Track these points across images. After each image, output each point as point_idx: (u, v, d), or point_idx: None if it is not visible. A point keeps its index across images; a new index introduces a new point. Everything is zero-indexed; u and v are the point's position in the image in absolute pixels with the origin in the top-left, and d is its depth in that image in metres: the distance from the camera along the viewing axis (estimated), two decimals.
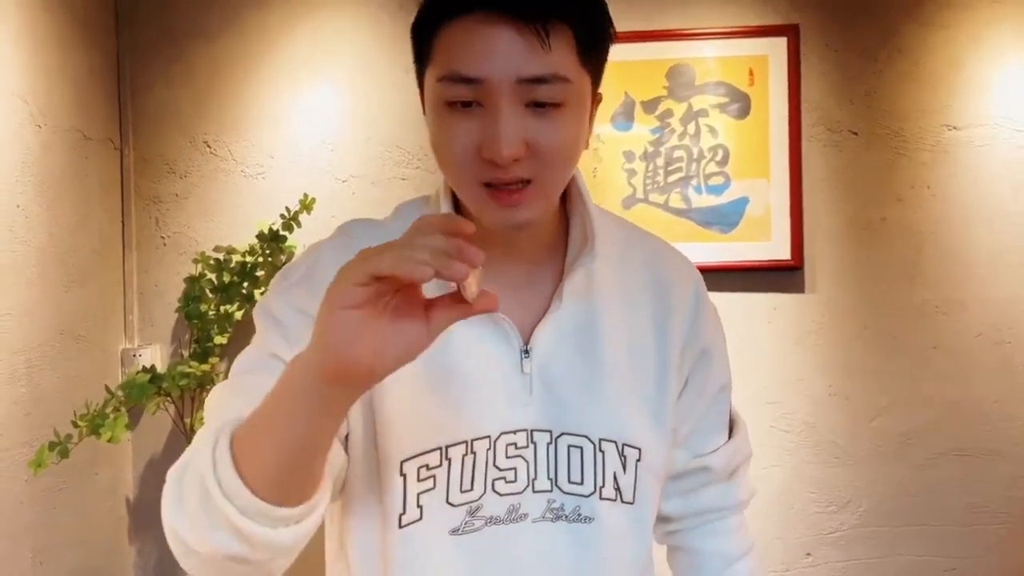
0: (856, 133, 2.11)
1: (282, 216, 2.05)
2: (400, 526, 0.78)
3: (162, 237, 2.22)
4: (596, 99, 0.79)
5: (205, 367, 1.93)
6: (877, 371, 2.11)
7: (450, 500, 0.78)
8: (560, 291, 0.81)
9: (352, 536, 0.81)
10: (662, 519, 0.94)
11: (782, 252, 2.10)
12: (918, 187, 2.10)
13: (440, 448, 0.77)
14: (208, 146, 2.21)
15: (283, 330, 0.78)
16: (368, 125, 2.19)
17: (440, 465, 0.77)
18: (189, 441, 2.03)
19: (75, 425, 1.73)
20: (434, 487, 0.78)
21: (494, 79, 0.69)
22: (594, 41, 0.74)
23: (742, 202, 2.11)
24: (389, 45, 2.18)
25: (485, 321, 0.79)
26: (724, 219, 2.11)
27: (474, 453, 0.78)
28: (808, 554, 2.13)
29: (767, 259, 2.09)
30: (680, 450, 0.90)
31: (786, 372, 2.12)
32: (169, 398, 1.93)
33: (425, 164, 2.18)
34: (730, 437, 0.93)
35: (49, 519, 1.89)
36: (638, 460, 0.82)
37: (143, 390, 1.75)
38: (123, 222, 2.21)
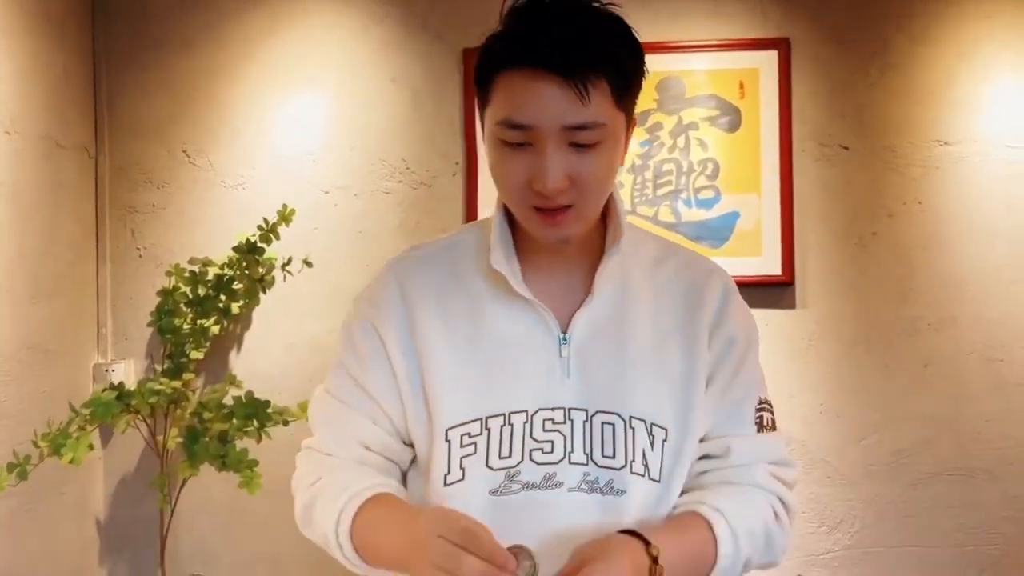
0: (847, 148, 2.09)
1: (260, 228, 1.99)
2: (445, 484, 0.90)
3: (138, 248, 2.16)
4: (632, 124, 0.92)
5: (176, 384, 1.86)
6: (869, 388, 2.08)
7: (490, 464, 0.89)
8: (594, 283, 0.92)
9: (409, 492, 0.96)
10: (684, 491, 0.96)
11: (773, 267, 2.06)
12: (909, 203, 2.08)
13: (480, 419, 0.90)
14: (187, 155, 2.15)
15: (355, 348, 0.97)
16: (352, 136, 2.14)
17: (480, 434, 0.89)
18: (162, 460, 1.96)
19: (36, 445, 1.65)
20: (475, 452, 0.89)
21: (542, 126, 0.83)
22: (627, 86, 0.87)
23: (732, 216, 2.07)
24: (375, 54, 2.14)
25: (528, 311, 0.92)
26: (714, 234, 2.08)
27: (511, 425, 0.89)
28: None
29: (758, 274, 2.06)
30: (706, 440, 0.96)
31: (776, 389, 2.03)
32: (139, 416, 1.86)
33: (407, 178, 2.13)
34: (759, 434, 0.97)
35: (15, 542, 1.82)
36: (664, 440, 0.91)
37: (108, 408, 1.68)
38: (97, 233, 2.14)
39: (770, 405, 0.98)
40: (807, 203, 2.08)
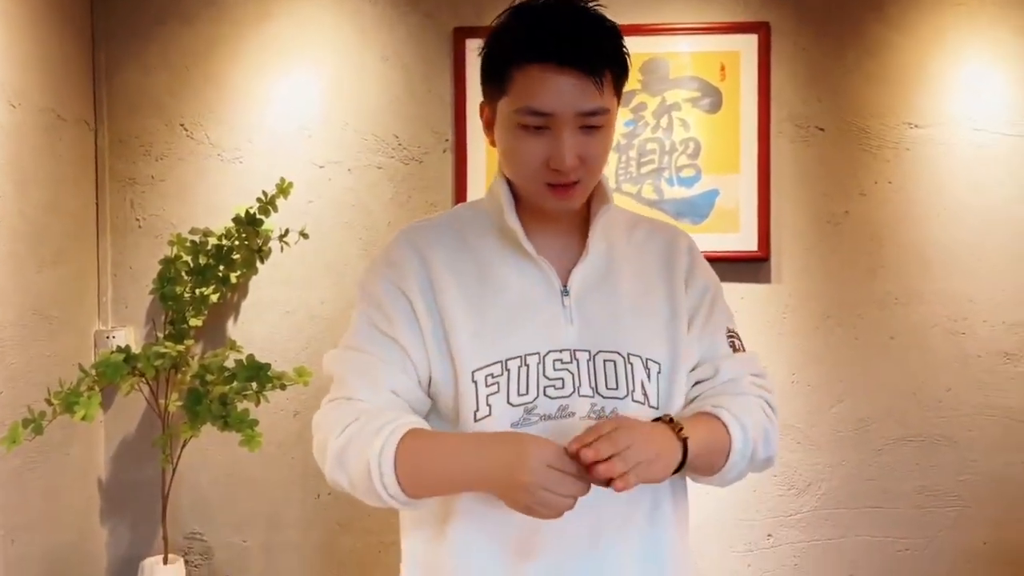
0: (823, 129, 2.18)
1: (259, 200, 2.06)
2: (475, 420, 1.02)
3: (137, 219, 2.22)
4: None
5: (180, 348, 1.94)
6: (838, 360, 2.19)
7: (510, 401, 1.02)
8: (588, 241, 1.07)
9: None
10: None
11: (750, 244, 2.16)
12: (881, 183, 2.18)
13: (500, 361, 1.02)
14: (185, 129, 2.21)
15: (381, 306, 1.06)
16: (345, 112, 2.21)
17: (501, 374, 1.02)
18: (164, 422, 2.04)
19: (49, 403, 1.73)
20: (498, 391, 1.02)
21: (560, 113, 0.97)
22: (624, 76, 1.02)
23: (712, 194, 2.16)
24: (368, 32, 2.20)
25: (533, 268, 1.06)
26: (695, 211, 2.17)
27: (527, 365, 1.02)
28: (769, 535, 2.21)
29: (735, 250, 2.15)
30: (696, 368, 1.10)
31: None
32: (143, 378, 1.94)
33: (399, 154, 2.20)
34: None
35: (21, 498, 1.90)
36: (659, 372, 1.05)
37: (117, 369, 1.75)
38: (97, 204, 2.20)
39: (737, 334, 1.14)
40: (784, 182, 2.18)
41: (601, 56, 0.97)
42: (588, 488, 0.91)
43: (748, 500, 2.20)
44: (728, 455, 1.02)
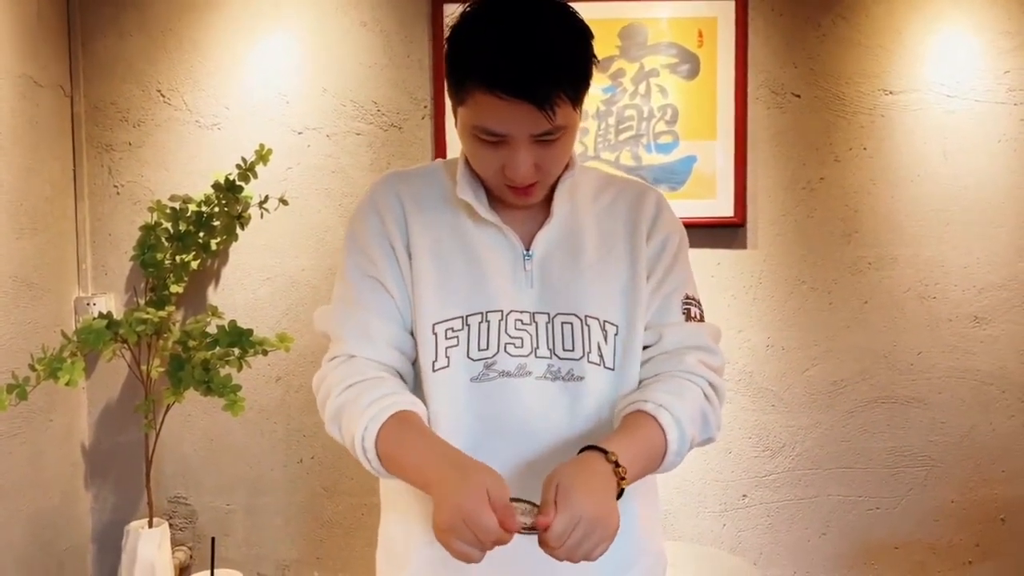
0: (799, 96, 2.20)
1: (238, 166, 2.06)
2: (434, 371, 1.04)
3: (115, 186, 2.21)
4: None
5: (162, 314, 1.94)
6: (812, 324, 2.23)
7: (470, 355, 1.04)
8: (552, 206, 1.09)
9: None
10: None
11: (726, 210, 2.18)
12: (855, 148, 2.20)
13: (461, 316, 1.05)
14: (162, 95, 2.20)
15: (366, 248, 1.08)
16: (324, 78, 2.20)
17: (462, 329, 1.05)
18: (146, 387, 2.06)
19: (32, 369, 1.74)
20: (458, 344, 1.04)
21: (514, 135, 0.98)
22: (583, 91, 1.00)
23: (690, 160, 2.18)
24: None
25: (497, 233, 1.08)
26: (673, 177, 2.19)
27: (488, 322, 1.05)
28: (744, 495, 2.26)
29: (712, 216, 2.18)
30: (645, 330, 1.10)
31: (727, 324, 2.22)
32: (126, 345, 1.95)
33: (378, 120, 2.20)
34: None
35: (5, 464, 1.91)
36: (616, 335, 1.07)
37: (99, 336, 1.76)
38: (75, 170, 2.19)
39: (697, 301, 1.13)
40: (760, 148, 2.20)
41: (555, 85, 0.95)
42: (503, 543, 0.88)
43: (723, 461, 2.25)
44: (664, 456, 1.00)
